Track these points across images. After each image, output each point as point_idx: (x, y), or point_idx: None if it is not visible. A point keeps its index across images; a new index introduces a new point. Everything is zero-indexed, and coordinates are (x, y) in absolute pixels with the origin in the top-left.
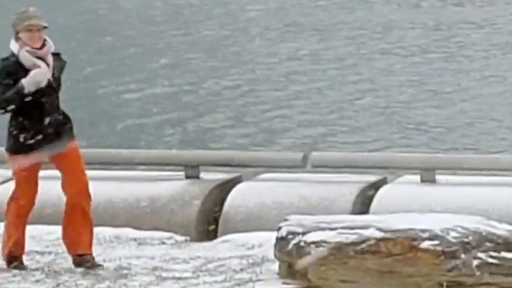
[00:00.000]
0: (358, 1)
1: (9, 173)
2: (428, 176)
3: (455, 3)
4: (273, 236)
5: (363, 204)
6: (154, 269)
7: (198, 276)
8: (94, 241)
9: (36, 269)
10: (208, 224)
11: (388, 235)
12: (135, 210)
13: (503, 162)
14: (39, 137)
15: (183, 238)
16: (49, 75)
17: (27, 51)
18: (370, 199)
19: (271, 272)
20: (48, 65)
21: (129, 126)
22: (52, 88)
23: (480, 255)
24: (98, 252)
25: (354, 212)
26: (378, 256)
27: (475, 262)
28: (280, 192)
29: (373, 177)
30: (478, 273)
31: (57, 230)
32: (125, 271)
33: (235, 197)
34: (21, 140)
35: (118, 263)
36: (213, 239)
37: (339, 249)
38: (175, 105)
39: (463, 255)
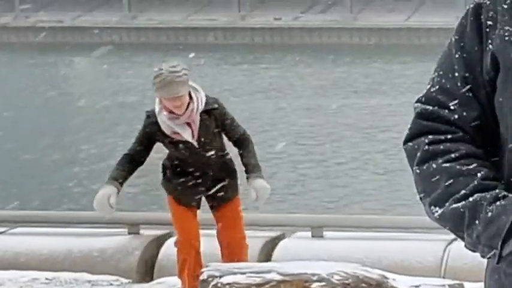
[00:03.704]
0: None
1: None
2: (317, 233)
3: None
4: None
5: (267, 254)
6: None
7: None
8: (57, 283)
9: None
10: (146, 269)
11: (286, 278)
12: (89, 259)
13: (377, 221)
14: (190, 196)
15: (127, 280)
16: (191, 139)
17: (166, 115)
18: (272, 250)
19: None
20: (193, 130)
21: None
22: (199, 155)
23: None
24: None
25: (260, 260)
26: None
27: None
28: (203, 244)
29: (273, 233)
30: None
31: (29, 274)
32: None
33: (167, 248)
34: (175, 194)
35: None
36: (150, 281)
37: None
38: None
39: None
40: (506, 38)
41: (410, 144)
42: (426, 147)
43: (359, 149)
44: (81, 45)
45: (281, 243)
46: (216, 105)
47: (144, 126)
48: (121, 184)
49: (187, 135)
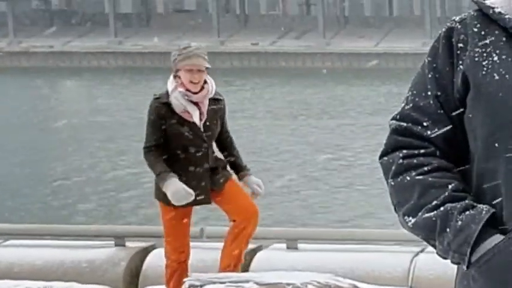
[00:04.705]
0: None
1: None
2: (292, 245)
3: None
4: None
5: (245, 265)
6: None
7: None
8: None
9: None
10: (132, 279)
11: (263, 287)
12: (79, 269)
13: (348, 234)
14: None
15: None
16: (198, 121)
17: (181, 92)
18: (250, 261)
19: None
20: (201, 113)
21: None
22: (201, 139)
23: None
24: None
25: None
26: None
27: None
28: None
29: (251, 245)
30: None
31: (22, 283)
32: None
33: (151, 259)
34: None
35: None
36: None
37: None
38: None
39: None
40: (476, 59)
41: (385, 158)
42: (401, 161)
43: (322, 166)
44: (70, 69)
45: (258, 255)
46: (222, 97)
47: (152, 110)
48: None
49: (195, 116)
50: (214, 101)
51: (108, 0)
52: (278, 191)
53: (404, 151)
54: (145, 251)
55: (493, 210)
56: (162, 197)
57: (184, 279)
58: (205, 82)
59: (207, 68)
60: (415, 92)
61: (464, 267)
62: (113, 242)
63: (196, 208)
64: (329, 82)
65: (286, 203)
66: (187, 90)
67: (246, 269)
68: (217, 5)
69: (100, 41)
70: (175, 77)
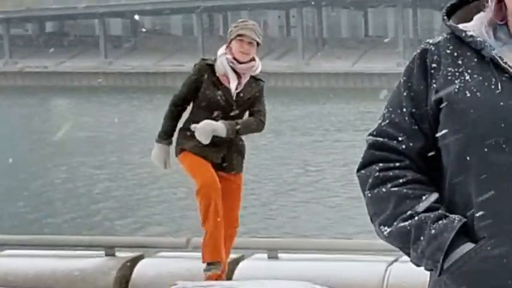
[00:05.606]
0: None
1: None
2: (272, 254)
3: None
4: None
5: (228, 273)
6: None
7: None
8: None
9: None
10: (121, 287)
11: None
12: (71, 277)
13: (327, 244)
14: (209, 153)
15: None
16: (234, 89)
17: (228, 59)
18: (233, 270)
19: None
20: (239, 83)
21: None
22: (230, 108)
23: None
24: None
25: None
26: None
27: None
28: (171, 265)
29: (234, 255)
30: None
31: None
32: None
33: (140, 268)
34: (189, 144)
35: None
36: None
37: None
38: None
39: None
40: (449, 78)
41: (363, 171)
42: (377, 173)
43: (291, 180)
44: (63, 88)
45: (241, 264)
46: (263, 81)
47: (196, 68)
48: (172, 137)
49: (233, 84)
50: (254, 79)
51: (99, 23)
52: (248, 204)
53: (381, 164)
54: (135, 261)
55: (465, 219)
56: (181, 146)
57: (171, 287)
58: (253, 59)
59: (258, 44)
60: (391, 109)
61: (437, 274)
62: (103, 252)
63: (184, 222)
64: (305, 100)
65: (256, 216)
66: (235, 59)
67: (229, 277)
68: (202, 29)
69: (91, 61)
70: (227, 47)
